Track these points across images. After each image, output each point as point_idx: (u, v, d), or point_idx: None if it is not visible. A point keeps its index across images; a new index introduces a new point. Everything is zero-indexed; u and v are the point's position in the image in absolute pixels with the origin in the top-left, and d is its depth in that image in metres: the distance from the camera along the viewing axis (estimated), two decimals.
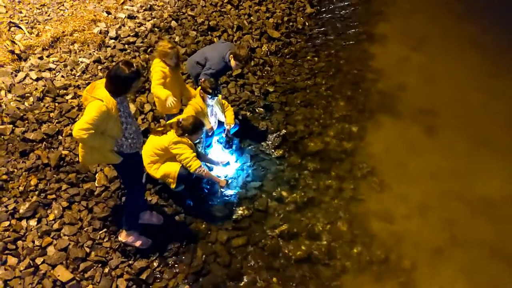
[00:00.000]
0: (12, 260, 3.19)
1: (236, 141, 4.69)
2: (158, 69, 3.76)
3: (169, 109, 3.88)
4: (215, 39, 6.13)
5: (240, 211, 4.05)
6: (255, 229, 3.96)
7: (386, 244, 3.99)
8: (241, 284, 3.55)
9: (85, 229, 3.54)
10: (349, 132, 5.22)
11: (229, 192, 4.22)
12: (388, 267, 3.82)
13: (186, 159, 3.53)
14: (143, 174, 3.80)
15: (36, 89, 4.53)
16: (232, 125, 4.43)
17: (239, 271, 3.64)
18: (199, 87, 4.14)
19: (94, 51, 5.32)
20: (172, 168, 3.64)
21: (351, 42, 7.09)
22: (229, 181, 4.28)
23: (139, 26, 5.97)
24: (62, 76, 4.84)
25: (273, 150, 4.78)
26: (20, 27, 5.46)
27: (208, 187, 4.23)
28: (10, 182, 3.65)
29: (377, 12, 8.09)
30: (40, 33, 5.43)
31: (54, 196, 3.67)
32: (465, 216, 4.32)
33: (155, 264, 3.52)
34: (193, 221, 3.91)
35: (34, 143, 4.00)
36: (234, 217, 4.00)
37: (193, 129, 3.59)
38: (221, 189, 4.13)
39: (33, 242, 3.35)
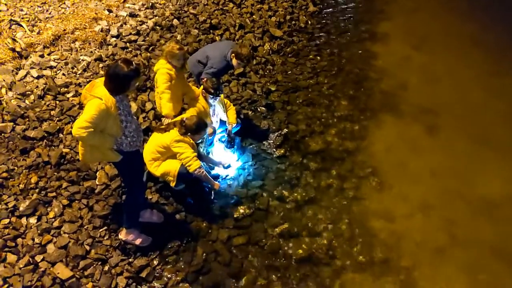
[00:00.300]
0: (11, 258, 3.17)
1: (237, 140, 4.68)
2: (164, 71, 3.72)
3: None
4: (217, 37, 6.11)
5: (241, 210, 4.03)
6: (256, 228, 3.94)
7: (386, 244, 3.97)
8: (242, 283, 3.54)
9: (85, 227, 3.53)
10: (351, 132, 5.19)
11: (225, 192, 4.18)
12: (389, 267, 3.80)
13: (187, 158, 3.52)
14: (144, 172, 3.79)
15: (37, 87, 4.53)
16: (234, 125, 4.42)
17: (239, 269, 3.62)
18: (201, 87, 4.12)
19: (95, 49, 5.32)
20: (172, 166, 3.63)
21: (353, 41, 7.07)
22: (225, 185, 4.24)
23: (140, 24, 5.95)
24: (63, 74, 4.84)
25: (274, 149, 4.76)
26: (21, 25, 5.46)
27: (209, 186, 4.21)
28: (11, 179, 3.64)
29: (379, 11, 8.06)
30: (41, 31, 5.43)
31: (54, 194, 3.66)
32: (465, 216, 4.29)
33: (155, 262, 3.51)
34: (193, 220, 3.90)
35: (35, 141, 3.99)
36: (235, 215, 3.99)
37: (197, 129, 3.58)
38: (214, 193, 4.09)
39: (33, 239, 3.34)
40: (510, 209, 4.40)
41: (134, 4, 6.46)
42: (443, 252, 3.96)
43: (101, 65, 5.06)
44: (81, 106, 4.41)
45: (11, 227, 3.34)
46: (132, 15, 6.12)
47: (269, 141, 4.85)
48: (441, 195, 4.47)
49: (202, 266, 3.57)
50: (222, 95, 4.31)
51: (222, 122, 4.51)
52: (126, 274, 3.36)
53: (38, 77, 4.66)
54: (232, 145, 4.53)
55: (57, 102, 4.42)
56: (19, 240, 3.32)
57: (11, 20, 5.51)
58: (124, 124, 2.93)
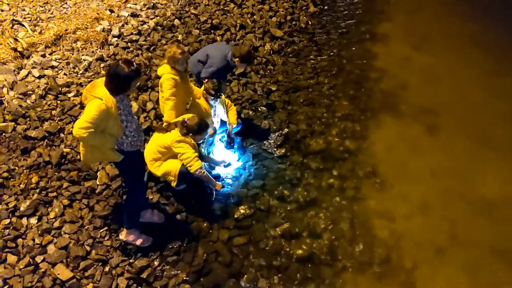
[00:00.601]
0: (11, 258, 3.17)
1: (238, 140, 4.68)
2: (169, 76, 3.69)
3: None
4: (218, 37, 6.11)
5: (242, 210, 4.03)
6: (257, 228, 3.94)
7: (387, 244, 3.96)
8: (242, 283, 3.53)
9: (85, 227, 3.53)
10: (352, 131, 5.19)
11: (226, 192, 4.18)
12: (389, 267, 3.79)
13: (188, 158, 3.51)
14: (145, 172, 3.79)
15: (39, 86, 4.53)
16: (235, 125, 4.41)
17: (240, 270, 3.62)
18: (202, 87, 4.12)
19: (96, 49, 5.32)
20: (173, 166, 3.63)
21: (353, 41, 7.07)
22: (226, 185, 4.25)
23: (142, 25, 5.96)
24: (65, 74, 4.84)
25: (275, 149, 4.76)
26: (23, 25, 5.47)
27: (210, 186, 4.21)
28: (11, 179, 3.64)
29: (380, 11, 8.06)
30: (43, 31, 5.43)
31: (55, 194, 3.65)
32: (465, 216, 4.29)
33: (156, 263, 3.51)
34: (194, 220, 3.89)
35: (36, 140, 3.99)
36: (235, 216, 3.98)
37: (198, 130, 3.57)
38: (216, 193, 4.10)
39: (33, 240, 3.33)
40: (510, 209, 4.39)
41: (135, 4, 6.46)
42: (444, 252, 3.95)
43: (102, 65, 5.07)
44: (82, 106, 4.41)
45: (11, 228, 3.34)
46: (134, 15, 6.12)
47: (269, 141, 4.85)
48: (441, 195, 4.46)
49: (203, 266, 3.56)
50: (223, 96, 4.32)
51: (223, 122, 4.51)
52: (127, 275, 3.35)
53: (39, 77, 4.66)
54: (232, 145, 4.53)
55: (58, 101, 4.42)
56: (20, 240, 3.32)
57: (13, 19, 5.51)
58: (125, 124, 2.93)
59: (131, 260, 3.46)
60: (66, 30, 5.48)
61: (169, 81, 3.69)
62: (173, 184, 3.70)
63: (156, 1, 6.61)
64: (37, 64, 4.83)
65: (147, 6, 6.42)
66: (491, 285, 3.75)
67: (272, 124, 5.06)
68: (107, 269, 3.36)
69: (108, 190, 3.83)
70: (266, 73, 5.94)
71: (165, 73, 3.72)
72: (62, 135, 4.14)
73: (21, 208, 3.46)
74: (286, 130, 4.98)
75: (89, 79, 4.78)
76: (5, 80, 4.48)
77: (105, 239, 3.52)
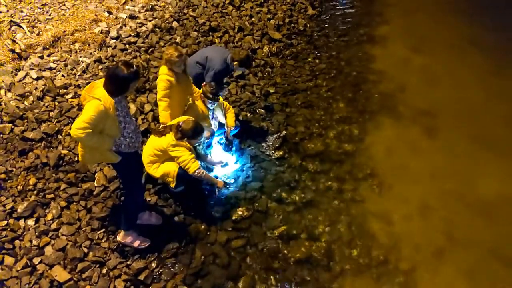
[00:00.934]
0: (9, 260, 3.16)
1: (236, 142, 4.68)
2: (164, 78, 3.71)
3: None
4: (216, 39, 6.13)
5: (240, 212, 4.03)
6: (255, 230, 3.93)
7: (385, 246, 3.96)
8: (240, 286, 3.53)
9: (83, 229, 3.52)
10: (350, 134, 5.20)
11: (226, 193, 4.19)
12: (388, 269, 3.79)
13: (184, 161, 3.51)
14: (143, 174, 3.79)
15: (36, 88, 4.52)
16: (233, 128, 4.42)
17: (238, 272, 3.61)
18: (200, 91, 4.13)
19: (95, 51, 5.32)
20: (171, 167, 3.62)
21: (352, 44, 7.10)
22: (227, 182, 4.26)
23: (140, 26, 5.96)
24: (63, 76, 4.83)
25: (273, 151, 4.76)
26: (21, 26, 5.47)
27: (208, 187, 4.21)
28: (9, 181, 3.63)
29: (378, 14, 8.10)
30: (41, 32, 5.43)
31: (52, 195, 3.65)
32: (464, 217, 4.29)
33: (154, 265, 3.50)
34: (192, 222, 3.89)
35: (33, 142, 3.98)
36: (233, 218, 3.98)
37: (193, 134, 3.55)
38: (219, 191, 4.11)
39: (31, 241, 3.32)
40: (509, 210, 4.39)
41: (134, 6, 6.48)
42: (442, 254, 3.95)
43: (100, 66, 5.07)
44: (80, 108, 4.40)
45: (8, 229, 3.33)
46: (132, 17, 6.13)
47: (268, 143, 4.86)
48: (440, 197, 4.47)
49: (201, 268, 3.56)
50: (221, 98, 4.33)
51: (221, 125, 4.51)
52: (124, 277, 3.34)
53: (37, 78, 4.65)
54: (231, 147, 4.54)
55: (56, 103, 4.41)
56: (17, 242, 3.31)
57: (11, 21, 5.51)
58: (123, 125, 2.94)
59: (128, 262, 3.45)
60: (64, 31, 5.49)
61: (163, 82, 3.71)
62: (172, 185, 3.70)
63: (154, 3, 6.62)
64: (35, 65, 4.82)
65: (145, 8, 6.43)
66: (491, 287, 3.75)
67: (270, 126, 5.07)
68: (104, 271, 3.35)
69: (106, 192, 3.82)
70: (265, 76, 5.95)
71: (161, 74, 3.73)
72: (60, 136, 4.13)
73: (19, 210, 3.45)
74: (284, 132, 4.98)
75: (87, 81, 4.78)
76: (3, 81, 4.48)
77: (103, 241, 3.51)
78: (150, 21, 6.13)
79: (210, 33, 6.22)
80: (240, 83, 5.58)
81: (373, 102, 5.78)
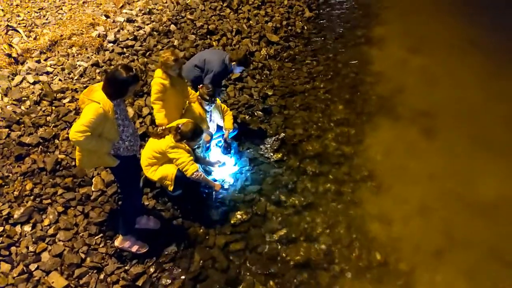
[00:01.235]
0: (5, 267, 3.13)
1: (234, 145, 4.67)
2: (157, 81, 3.71)
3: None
4: (214, 42, 6.12)
5: (238, 215, 4.01)
6: (254, 234, 3.91)
7: (385, 247, 3.94)
8: None
9: (80, 235, 3.49)
10: (348, 135, 5.19)
11: (224, 196, 4.16)
12: (387, 270, 3.77)
13: (183, 163, 3.49)
14: (141, 178, 3.77)
15: (33, 92, 4.51)
16: (231, 130, 4.41)
17: (237, 276, 3.58)
18: (197, 93, 4.12)
19: (92, 55, 5.31)
20: (169, 170, 3.61)
21: (349, 46, 7.11)
22: (225, 185, 4.24)
23: (138, 30, 5.96)
24: (60, 80, 4.82)
25: (272, 154, 4.75)
26: (17, 31, 5.46)
27: (207, 191, 4.19)
28: (5, 186, 3.60)
29: (375, 16, 8.12)
30: (38, 37, 5.42)
31: (49, 201, 3.62)
32: (464, 217, 4.27)
33: (152, 270, 3.47)
34: (190, 226, 3.86)
35: (30, 147, 3.96)
36: (232, 221, 3.96)
37: (192, 136, 3.55)
38: (216, 194, 4.09)
39: (27, 248, 3.29)
40: (508, 210, 4.38)
41: (131, 9, 6.48)
42: (442, 254, 3.93)
43: (97, 70, 5.05)
44: (77, 112, 4.39)
45: (5, 235, 3.30)
46: (130, 20, 6.12)
47: (266, 145, 4.84)
48: (439, 198, 4.45)
49: (199, 273, 3.53)
50: (218, 100, 4.32)
51: (219, 127, 4.50)
52: (122, 283, 3.31)
53: (34, 83, 4.64)
54: (229, 150, 4.52)
55: (53, 107, 4.40)
56: (13, 248, 3.28)
57: (7, 25, 5.50)
58: (121, 129, 2.93)
59: (126, 267, 3.42)
60: (61, 35, 5.48)
61: (156, 85, 3.71)
62: (170, 188, 3.68)
63: (152, 6, 6.62)
64: (31, 70, 4.81)
65: (143, 12, 6.43)
66: (491, 287, 3.72)
67: (268, 129, 5.06)
68: (102, 276, 3.32)
69: (104, 197, 3.80)
70: (262, 78, 5.95)
71: (155, 78, 3.73)
72: (57, 141, 4.11)
73: (15, 216, 3.42)
74: (282, 134, 4.97)
75: (84, 85, 4.76)
76: None
77: (100, 246, 3.48)
78: (147, 24, 6.13)
79: (208, 36, 6.22)
80: (238, 86, 5.57)
81: (371, 104, 5.78)
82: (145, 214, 3.70)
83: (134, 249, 3.46)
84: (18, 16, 5.81)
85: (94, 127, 2.71)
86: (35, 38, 5.39)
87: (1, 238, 3.27)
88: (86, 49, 5.39)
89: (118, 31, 5.83)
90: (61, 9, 6.22)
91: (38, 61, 4.99)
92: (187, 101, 4.12)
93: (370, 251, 3.89)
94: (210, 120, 4.33)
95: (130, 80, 2.77)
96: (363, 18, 8.02)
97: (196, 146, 3.91)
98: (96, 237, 3.51)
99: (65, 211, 3.60)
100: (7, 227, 3.35)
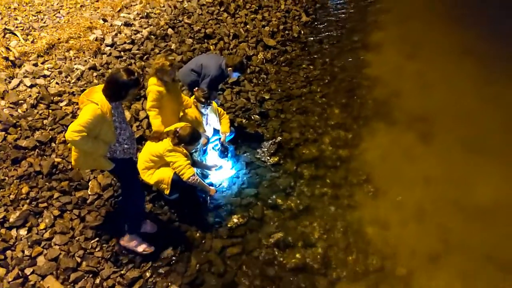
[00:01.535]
0: (0, 271, 3.10)
1: (231, 148, 4.67)
2: (153, 89, 3.71)
3: None
4: (211, 46, 6.15)
5: (235, 219, 4.00)
6: (250, 238, 3.91)
7: (381, 251, 3.95)
8: None
9: (76, 238, 3.48)
10: (344, 139, 5.21)
11: (218, 202, 4.16)
12: (384, 275, 3.77)
13: (179, 167, 3.50)
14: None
15: (30, 96, 4.50)
16: (227, 134, 4.42)
17: (233, 280, 3.57)
18: (193, 97, 4.14)
19: (89, 58, 5.31)
20: (166, 174, 3.61)
21: (346, 50, 7.16)
22: (221, 189, 4.23)
23: (135, 34, 5.98)
24: (57, 83, 4.82)
25: (268, 157, 4.76)
26: (15, 34, 5.45)
27: (203, 195, 4.19)
28: (1, 190, 3.58)
29: (372, 21, 8.19)
30: (35, 40, 5.42)
31: (45, 204, 3.60)
32: (460, 222, 4.28)
33: (148, 274, 3.45)
34: (187, 230, 3.86)
35: (27, 150, 3.95)
36: (229, 225, 3.95)
37: (190, 140, 3.56)
38: (210, 199, 4.09)
39: (23, 251, 3.27)
40: (504, 214, 4.40)
41: (129, 13, 6.49)
42: (438, 259, 3.94)
43: (95, 73, 5.06)
44: (74, 115, 4.38)
45: (0, 239, 3.28)
46: (127, 24, 6.14)
47: (263, 149, 4.85)
48: (435, 202, 4.47)
49: (196, 277, 3.51)
50: (215, 104, 4.33)
51: (216, 131, 4.51)
52: (118, 287, 3.29)
53: (31, 86, 4.63)
54: (226, 154, 4.53)
55: (50, 111, 4.39)
56: (9, 252, 3.25)
57: (5, 29, 5.50)
58: (118, 131, 2.94)
59: (122, 272, 3.40)
60: (59, 39, 5.48)
61: (153, 93, 3.71)
62: (166, 192, 3.68)
63: (149, 10, 6.65)
64: (29, 73, 4.80)
65: (140, 16, 6.45)
66: None
67: (265, 133, 5.07)
68: (98, 281, 3.30)
69: (100, 200, 3.78)
70: (259, 82, 5.97)
71: (151, 85, 3.73)
72: (53, 144, 4.10)
73: (11, 219, 3.40)
74: (279, 138, 4.99)
75: (81, 88, 4.76)
76: None
77: (96, 250, 3.46)
78: (145, 28, 6.15)
79: (205, 40, 6.25)
80: (235, 90, 5.59)
81: (367, 108, 5.81)
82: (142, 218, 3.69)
83: (141, 249, 3.44)
84: (16, 19, 5.81)
85: (91, 127, 2.72)
86: (32, 41, 5.39)
87: None
88: (84, 52, 5.39)
89: (116, 34, 5.84)
90: (59, 12, 6.23)
91: (36, 64, 4.99)
92: (183, 108, 4.13)
93: (367, 255, 3.90)
94: (207, 124, 4.34)
95: (131, 83, 2.79)
96: (359, 23, 8.08)
97: (193, 150, 3.91)
98: (92, 241, 3.49)
99: (61, 214, 3.59)
100: (3, 231, 3.33)
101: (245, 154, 4.77)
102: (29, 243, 3.33)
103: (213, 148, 4.58)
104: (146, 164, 3.65)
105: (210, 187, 3.87)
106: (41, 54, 5.18)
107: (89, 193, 3.80)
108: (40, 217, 3.53)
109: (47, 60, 5.13)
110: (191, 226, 3.88)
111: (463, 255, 3.98)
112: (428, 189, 4.62)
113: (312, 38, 7.38)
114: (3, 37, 5.38)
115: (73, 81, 4.90)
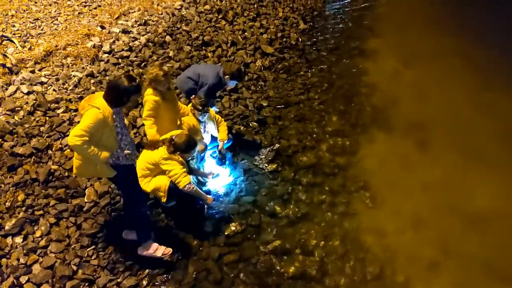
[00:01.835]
0: None
1: (229, 155, 4.67)
2: (150, 98, 3.70)
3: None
4: (209, 54, 6.18)
5: (232, 227, 3.99)
6: (248, 245, 3.89)
7: (379, 259, 3.93)
8: None
9: (72, 246, 3.45)
10: (342, 146, 5.22)
11: (215, 210, 4.14)
12: (382, 283, 3.75)
13: (175, 175, 3.48)
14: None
15: (27, 102, 4.49)
16: (225, 141, 4.42)
17: None
18: (190, 104, 4.14)
19: (87, 65, 5.32)
20: (162, 182, 3.60)
21: (343, 58, 7.20)
22: (218, 198, 4.22)
23: (133, 41, 5.99)
24: (54, 90, 4.81)
25: (266, 165, 4.75)
26: (12, 41, 5.46)
27: (200, 202, 4.17)
28: None
29: (369, 28, 8.26)
30: (32, 47, 5.43)
31: (41, 212, 3.58)
32: (457, 230, 4.29)
33: (145, 282, 3.42)
34: (184, 237, 3.83)
35: (23, 157, 3.92)
36: (226, 232, 3.94)
37: (186, 148, 3.55)
38: (207, 207, 4.07)
39: (18, 260, 3.24)
40: (501, 223, 4.41)
41: (127, 20, 6.52)
42: (436, 267, 3.93)
43: (92, 80, 5.06)
44: (71, 122, 4.38)
45: None
46: (125, 31, 6.16)
47: (261, 156, 4.85)
48: (433, 209, 4.47)
49: (193, 285, 3.49)
50: (212, 111, 4.34)
51: (214, 138, 4.51)
52: None
53: (28, 93, 4.62)
54: (224, 161, 4.52)
55: (47, 118, 4.38)
56: (4, 260, 3.22)
57: (2, 35, 5.50)
58: (120, 137, 2.95)
59: (119, 280, 3.37)
60: (56, 46, 5.49)
61: (149, 103, 3.70)
62: (163, 200, 3.66)
63: (147, 17, 6.68)
64: (26, 80, 4.80)
65: (138, 23, 6.48)
66: None
67: (263, 140, 5.07)
68: None
69: (96, 208, 3.76)
70: (257, 89, 5.99)
71: (147, 95, 3.72)
72: (50, 151, 4.08)
73: (6, 227, 3.37)
74: (277, 145, 4.99)
75: (78, 95, 4.76)
76: None
77: (92, 258, 3.43)
78: (143, 35, 6.17)
79: (203, 47, 6.28)
80: (233, 97, 5.60)
81: (365, 115, 5.84)
82: None
83: (159, 253, 3.43)
84: (13, 26, 5.82)
85: (93, 132, 2.72)
86: (30, 49, 5.40)
87: None
88: (81, 59, 5.40)
89: (114, 41, 5.85)
90: (57, 19, 6.25)
91: (33, 71, 4.98)
92: (180, 116, 4.13)
93: (365, 263, 3.89)
94: (205, 131, 4.34)
95: (132, 89, 2.81)
96: (356, 31, 8.15)
97: (190, 158, 3.90)
98: (88, 249, 3.47)
99: (57, 222, 3.56)
100: None
101: (243, 161, 4.76)
102: (24, 251, 3.30)
103: (211, 155, 4.58)
104: (143, 172, 3.64)
105: (207, 195, 3.86)
106: (38, 61, 5.19)
107: (86, 200, 3.78)
108: (36, 224, 3.50)
109: (44, 67, 5.13)
110: (189, 233, 3.86)
111: (460, 263, 3.98)
112: (425, 197, 4.63)
113: (309, 46, 7.43)
114: (1, 44, 5.39)
115: (70, 88, 4.89)
